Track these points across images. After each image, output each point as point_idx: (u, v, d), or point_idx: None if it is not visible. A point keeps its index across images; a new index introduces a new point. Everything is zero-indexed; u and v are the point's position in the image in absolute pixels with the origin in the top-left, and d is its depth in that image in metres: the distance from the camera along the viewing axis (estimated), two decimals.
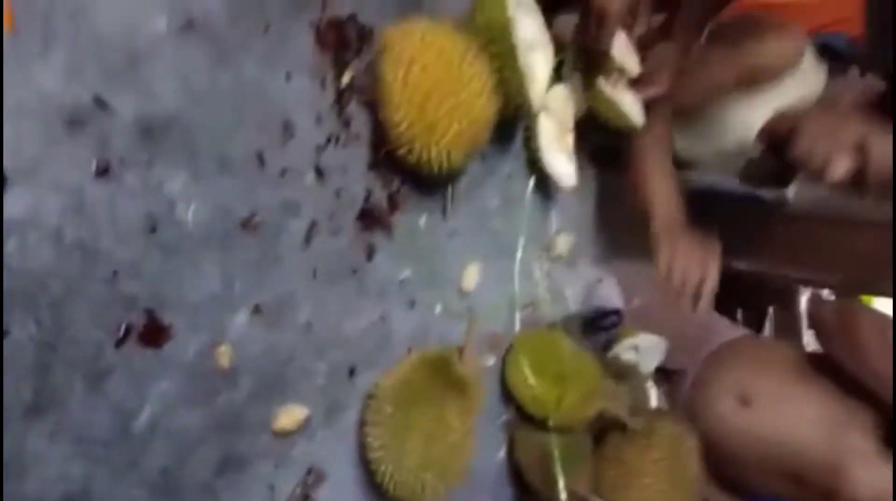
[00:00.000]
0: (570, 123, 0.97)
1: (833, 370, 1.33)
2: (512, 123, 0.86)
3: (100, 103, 0.48)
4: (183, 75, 0.53)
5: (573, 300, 1.09)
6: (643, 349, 1.17)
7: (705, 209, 1.25)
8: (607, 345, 1.15)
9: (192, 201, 0.55)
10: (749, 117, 1.23)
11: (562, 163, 0.94)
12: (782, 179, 1.50)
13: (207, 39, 0.54)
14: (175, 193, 0.54)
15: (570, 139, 0.97)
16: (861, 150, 1.07)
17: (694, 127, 1.29)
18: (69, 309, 0.48)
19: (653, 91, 1.06)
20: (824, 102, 1.22)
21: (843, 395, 1.33)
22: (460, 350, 0.73)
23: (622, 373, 1.07)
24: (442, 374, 0.71)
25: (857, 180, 1.09)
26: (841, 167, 1.07)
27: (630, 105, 1.00)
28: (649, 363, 1.23)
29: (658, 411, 1.15)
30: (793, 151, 1.16)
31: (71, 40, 0.46)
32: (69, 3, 0.46)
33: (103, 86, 0.48)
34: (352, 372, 0.71)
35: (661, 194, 1.12)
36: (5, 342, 0.45)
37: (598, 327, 1.14)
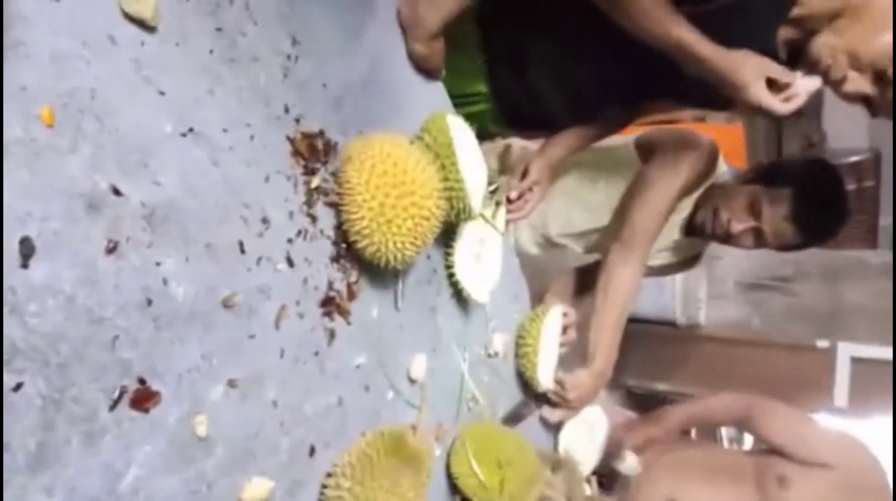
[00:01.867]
0: (495, 240, 1.09)
1: (746, 465, 1.43)
2: (454, 229, 0.97)
3: (115, 191, 0.56)
4: (183, 172, 0.62)
5: (510, 396, 1.17)
6: (590, 423, 1.28)
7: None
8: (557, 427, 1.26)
9: (183, 281, 0.62)
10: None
11: (474, 277, 1.03)
12: None
13: (204, 143, 0.64)
14: (169, 272, 0.61)
15: (491, 255, 1.08)
16: (752, 210, 1.35)
17: None
18: (74, 370, 0.53)
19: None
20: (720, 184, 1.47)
21: (756, 488, 1.43)
22: (413, 428, 0.79)
23: (558, 464, 1.13)
24: (397, 449, 0.77)
25: (757, 236, 1.38)
26: (738, 227, 1.37)
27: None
28: (589, 458, 1.31)
29: (592, 497, 1.21)
30: (696, 220, 1.45)
31: (96, 137, 0.55)
32: (97, 108, 0.55)
33: (118, 176, 0.56)
34: (312, 451, 0.76)
35: None
36: (19, 395, 0.50)
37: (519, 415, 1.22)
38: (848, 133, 3.69)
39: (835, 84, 1.01)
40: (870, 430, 3.25)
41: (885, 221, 4.50)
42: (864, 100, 1.02)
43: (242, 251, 0.68)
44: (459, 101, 1.12)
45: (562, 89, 1.23)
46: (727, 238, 1.41)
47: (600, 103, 1.23)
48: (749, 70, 0.97)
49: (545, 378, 1.21)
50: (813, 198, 1.33)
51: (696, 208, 1.45)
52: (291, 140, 0.73)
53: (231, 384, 0.67)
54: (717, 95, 1.06)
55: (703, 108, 1.52)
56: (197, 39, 0.63)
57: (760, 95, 0.97)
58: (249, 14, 0.68)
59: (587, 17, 1.04)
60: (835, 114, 3.85)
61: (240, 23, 0.68)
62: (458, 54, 1.11)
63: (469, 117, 0.99)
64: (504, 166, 1.54)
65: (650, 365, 3.99)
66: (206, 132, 0.64)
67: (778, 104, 0.97)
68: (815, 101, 3.78)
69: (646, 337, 4.13)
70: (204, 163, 0.64)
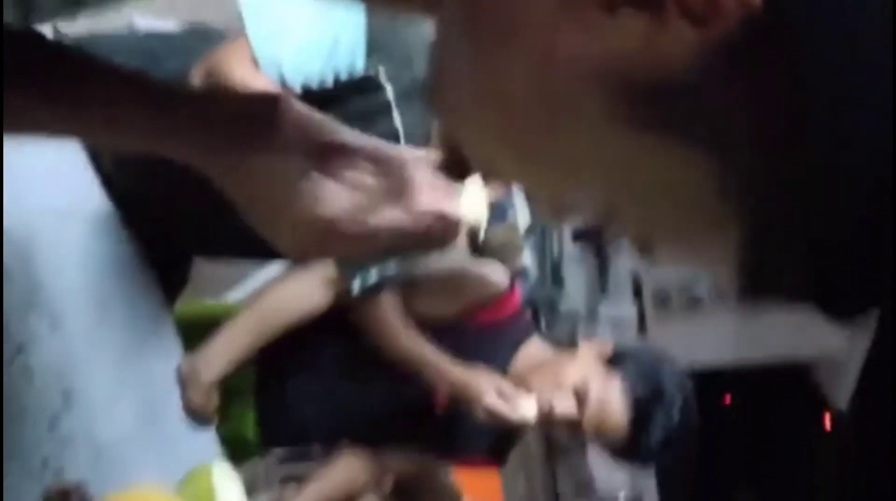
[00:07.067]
0: None
1: None
2: None
3: None
4: None
5: None
6: None
7: None
8: None
9: None
10: None
11: None
12: None
13: None
14: None
15: None
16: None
17: None
18: None
19: None
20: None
21: None
22: None
23: None
24: None
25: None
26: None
27: None
28: None
29: None
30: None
31: None
32: None
33: None
34: None
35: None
36: None
37: None
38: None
39: None
40: None
41: None
42: None
43: None
44: (232, 447, 1.15)
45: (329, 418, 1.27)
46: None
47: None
48: (483, 382, 1.09)
49: None
50: None
51: None
52: (46, 494, 0.72)
53: None
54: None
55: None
56: None
57: (495, 402, 1.08)
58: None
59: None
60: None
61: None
62: (233, 400, 1.17)
63: (240, 462, 1.02)
64: None
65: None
66: None
67: (510, 411, 1.06)
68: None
69: None
70: None
